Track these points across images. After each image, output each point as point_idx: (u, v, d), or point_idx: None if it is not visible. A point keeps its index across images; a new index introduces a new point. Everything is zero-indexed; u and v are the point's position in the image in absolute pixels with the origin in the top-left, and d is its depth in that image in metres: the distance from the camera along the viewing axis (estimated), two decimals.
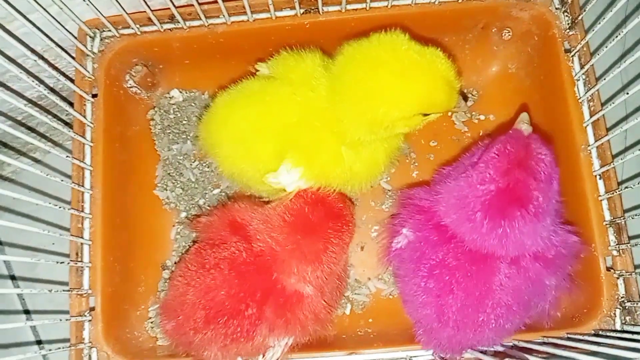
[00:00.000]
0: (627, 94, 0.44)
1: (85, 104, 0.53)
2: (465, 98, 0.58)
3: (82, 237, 0.50)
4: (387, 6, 0.53)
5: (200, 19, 0.53)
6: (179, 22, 0.53)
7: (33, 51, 0.50)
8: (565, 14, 0.53)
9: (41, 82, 0.56)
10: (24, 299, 0.65)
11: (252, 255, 0.46)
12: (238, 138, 0.48)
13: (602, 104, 0.51)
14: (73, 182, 0.51)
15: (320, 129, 0.46)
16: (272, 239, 0.46)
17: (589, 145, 0.51)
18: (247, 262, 0.46)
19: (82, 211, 0.51)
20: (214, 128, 0.50)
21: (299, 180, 0.47)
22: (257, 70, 0.52)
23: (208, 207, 0.58)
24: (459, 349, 0.47)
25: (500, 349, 0.47)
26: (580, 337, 0.46)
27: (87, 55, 0.54)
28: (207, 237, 0.50)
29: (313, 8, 0.53)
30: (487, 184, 0.42)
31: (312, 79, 0.46)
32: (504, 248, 0.43)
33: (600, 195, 0.50)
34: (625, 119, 0.66)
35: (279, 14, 0.53)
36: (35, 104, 0.59)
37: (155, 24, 0.53)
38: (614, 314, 0.48)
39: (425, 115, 0.44)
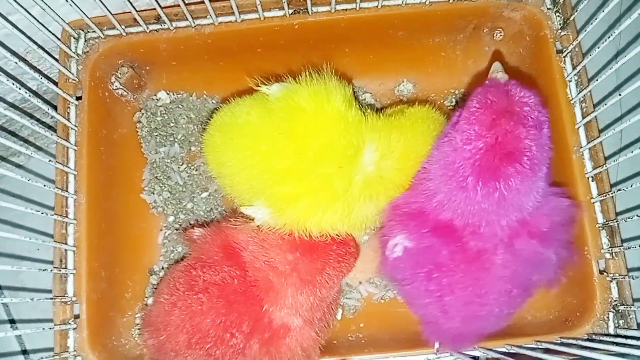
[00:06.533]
0: (620, 95, 0.43)
1: (69, 107, 0.52)
2: None
3: (66, 244, 0.49)
4: (377, 7, 0.52)
5: (187, 19, 0.52)
6: (165, 23, 0.52)
7: (14, 53, 0.48)
8: (557, 14, 0.52)
9: (23, 85, 0.55)
10: (8, 308, 0.63)
11: (244, 285, 0.45)
12: (234, 166, 0.46)
13: (595, 105, 0.51)
14: (56, 187, 0.49)
15: (306, 182, 0.43)
16: (268, 264, 0.44)
17: (581, 147, 0.50)
18: (237, 292, 0.44)
19: (66, 217, 0.50)
20: (218, 148, 0.48)
21: (269, 218, 0.45)
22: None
23: (197, 212, 0.57)
24: (469, 339, 0.47)
25: (494, 355, 0.47)
26: (574, 341, 0.46)
27: (71, 56, 0.52)
28: (198, 257, 0.48)
29: (302, 8, 0.52)
30: (473, 142, 0.38)
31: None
32: (505, 213, 0.40)
33: (592, 198, 0.49)
34: (619, 119, 0.65)
35: (267, 14, 0.52)
36: (17, 107, 0.58)
37: (140, 25, 0.52)
38: (607, 317, 0.48)
39: None
